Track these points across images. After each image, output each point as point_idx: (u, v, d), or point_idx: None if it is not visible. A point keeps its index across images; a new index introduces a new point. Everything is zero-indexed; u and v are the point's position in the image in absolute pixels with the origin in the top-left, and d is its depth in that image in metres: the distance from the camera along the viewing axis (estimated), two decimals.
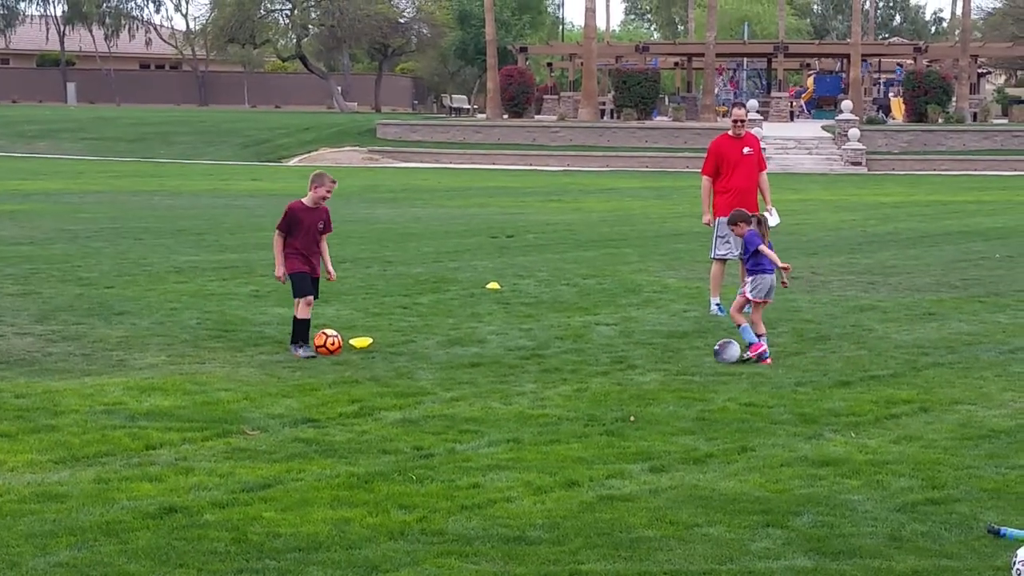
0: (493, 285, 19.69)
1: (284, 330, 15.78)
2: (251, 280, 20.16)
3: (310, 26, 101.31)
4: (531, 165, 59.55)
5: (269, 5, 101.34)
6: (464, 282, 20.34)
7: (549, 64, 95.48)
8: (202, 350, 14.55)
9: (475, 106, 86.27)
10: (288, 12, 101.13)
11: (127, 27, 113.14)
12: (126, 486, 9.25)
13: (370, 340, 14.87)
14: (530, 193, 41.82)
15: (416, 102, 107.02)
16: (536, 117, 73.56)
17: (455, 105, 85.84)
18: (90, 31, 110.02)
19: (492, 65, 71.94)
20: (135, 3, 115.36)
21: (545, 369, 13.75)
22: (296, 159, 63.01)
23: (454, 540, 8.20)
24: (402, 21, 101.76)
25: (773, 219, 16.72)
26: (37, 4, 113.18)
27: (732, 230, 14.97)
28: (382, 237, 26.85)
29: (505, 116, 70.61)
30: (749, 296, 14.47)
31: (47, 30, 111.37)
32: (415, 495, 9.13)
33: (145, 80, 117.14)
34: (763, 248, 14.37)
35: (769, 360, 14.10)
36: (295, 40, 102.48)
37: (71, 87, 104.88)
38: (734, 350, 14.19)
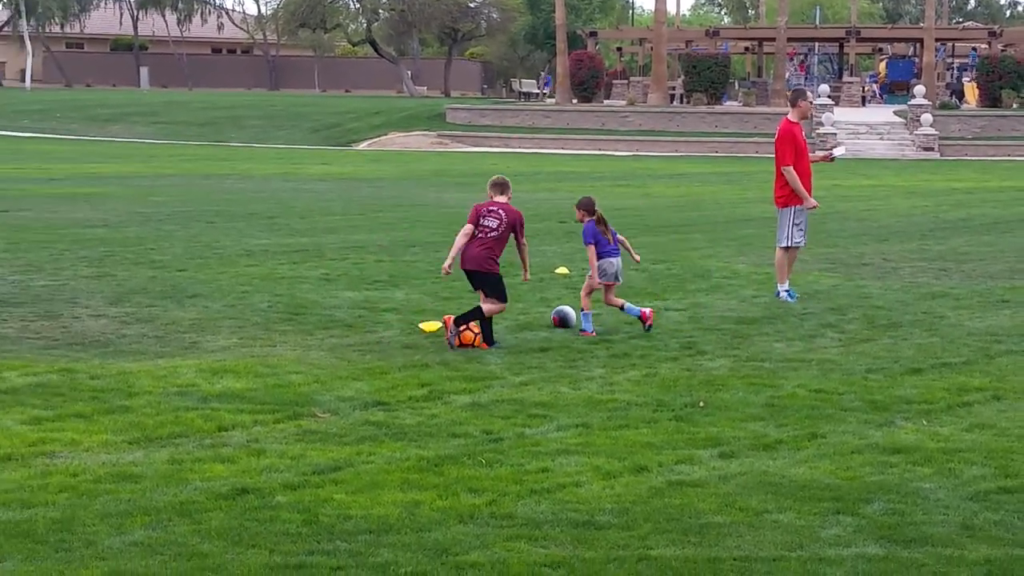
0: (562, 270, 19.69)
1: (354, 314, 15.89)
2: (321, 264, 20.28)
3: (380, 11, 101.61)
4: (600, 150, 59.44)
5: None
6: (532, 267, 20.29)
7: (619, 49, 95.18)
8: (273, 333, 14.65)
9: (545, 90, 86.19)
10: None
11: (199, 12, 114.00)
12: (199, 467, 9.35)
13: (439, 324, 14.92)
14: (599, 178, 41.76)
15: (485, 87, 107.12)
16: (605, 102, 73.38)
17: (524, 90, 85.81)
18: (163, 16, 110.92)
19: (562, 50, 71.79)
20: None
21: (614, 354, 13.74)
22: (365, 143, 63.24)
23: (523, 524, 8.23)
24: (472, 5, 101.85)
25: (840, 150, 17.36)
26: None
27: (576, 213, 15.32)
28: (452, 221, 26.83)
29: (574, 101, 70.48)
30: (597, 282, 15.04)
31: (121, 15, 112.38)
32: (484, 479, 9.17)
33: (216, 64, 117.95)
34: (589, 249, 15.02)
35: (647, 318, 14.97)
36: (365, 25, 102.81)
37: (144, 71, 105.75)
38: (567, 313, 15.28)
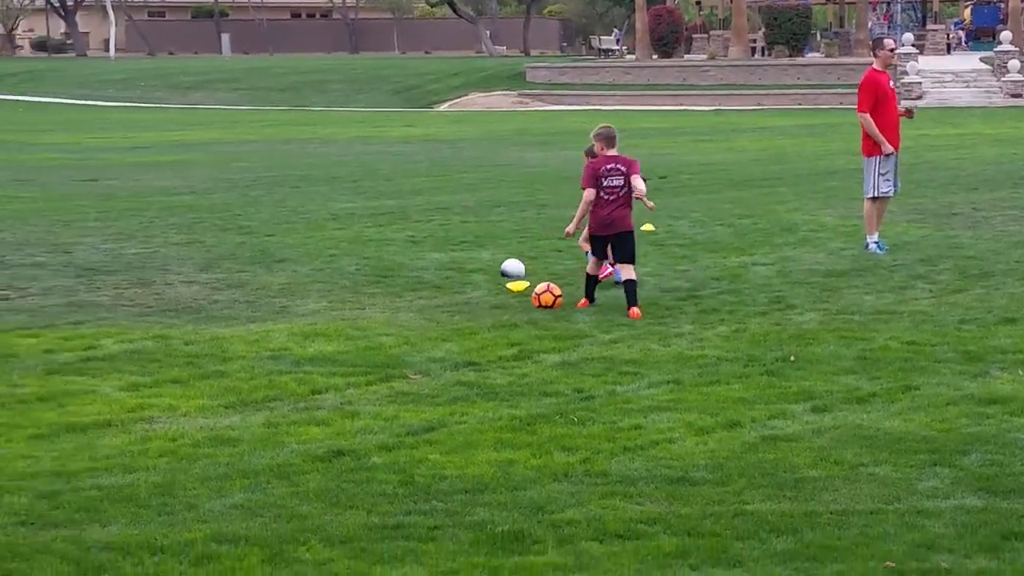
0: (647, 227, 19.63)
1: (441, 275, 15.95)
2: (407, 226, 20.36)
3: None
4: (681, 105, 59.08)
5: None
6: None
7: (698, 2, 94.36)
8: (362, 296, 14.75)
9: (624, 47, 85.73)
10: None
11: None
12: (295, 430, 9.45)
13: (526, 284, 14.94)
14: (681, 133, 41.55)
15: (564, 44, 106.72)
16: (686, 56, 72.84)
17: (604, 46, 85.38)
18: None
19: (640, 5, 71.28)
20: None
21: (703, 310, 13.71)
22: (446, 104, 63.30)
23: (618, 481, 8.25)
24: None
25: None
26: None
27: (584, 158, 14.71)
28: (535, 180, 26.88)
29: (654, 56, 70.06)
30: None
31: None
32: (577, 437, 9.20)
33: (296, 29, 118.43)
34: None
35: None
36: None
37: (225, 38, 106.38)
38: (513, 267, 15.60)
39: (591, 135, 14.07)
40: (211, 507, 7.86)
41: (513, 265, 15.87)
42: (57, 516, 7.70)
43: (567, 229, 14.02)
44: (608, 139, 13.94)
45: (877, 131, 17.09)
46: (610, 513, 7.70)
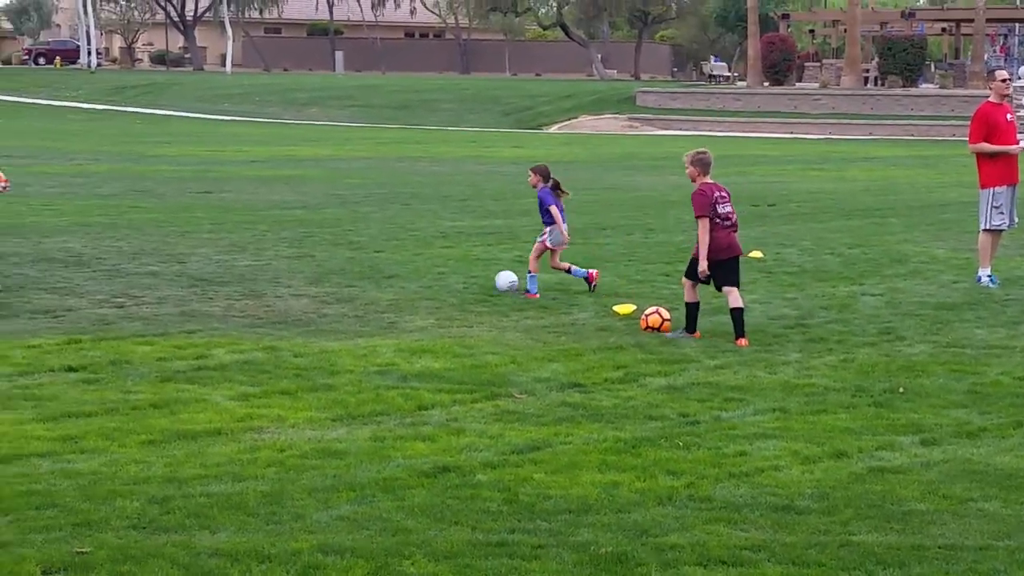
0: (756, 254, 19.56)
1: (548, 296, 15.99)
2: (515, 246, 20.43)
3: None
4: (792, 133, 58.75)
5: None
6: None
7: (811, 31, 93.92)
8: (469, 314, 14.83)
9: (735, 73, 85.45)
10: None
11: None
12: (401, 445, 9.52)
13: (634, 307, 14.95)
14: (791, 161, 41.31)
15: (675, 69, 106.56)
16: (797, 85, 72.48)
17: (715, 72, 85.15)
18: (358, 1, 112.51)
19: (753, 32, 71.10)
20: None
21: (810, 339, 13.63)
22: (556, 126, 63.46)
23: (722, 507, 8.23)
24: None
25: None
26: None
27: (531, 177, 16.19)
28: (643, 204, 26.88)
29: (766, 84, 69.76)
30: (548, 244, 16.00)
31: (317, 0, 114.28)
32: (682, 461, 9.19)
33: (409, 48, 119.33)
34: (553, 210, 15.83)
35: (536, 294, 15.75)
36: (556, 8, 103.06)
37: (339, 56, 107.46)
38: (502, 280, 16.22)
39: (687, 160, 13.95)
40: (318, 518, 7.94)
41: (503, 278, 16.35)
42: (168, 521, 7.83)
43: (701, 268, 13.72)
44: (707, 165, 13.77)
45: (993, 147, 16.81)
46: (714, 539, 7.68)
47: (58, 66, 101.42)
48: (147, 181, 30.70)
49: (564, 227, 15.93)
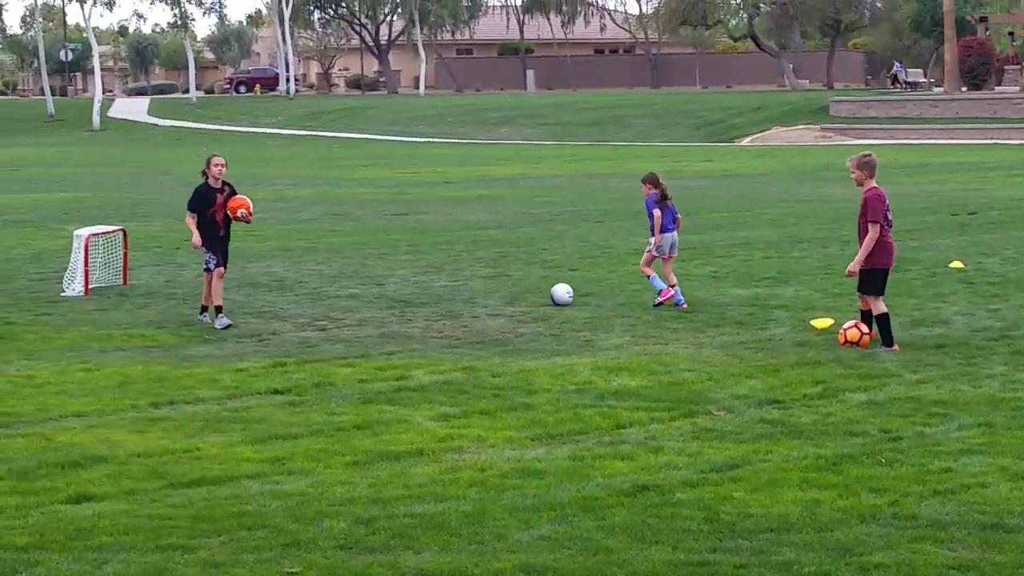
0: (956, 264, 19.18)
1: (744, 311, 15.90)
2: (710, 261, 20.35)
3: (762, 5, 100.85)
4: (992, 139, 57.34)
5: None
6: (925, 261, 19.89)
7: (1010, 33, 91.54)
8: (665, 331, 14.82)
9: (931, 79, 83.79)
10: None
11: (583, 13, 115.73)
12: (600, 463, 9.57)
13: (831, 321, 14.78)
14: (992, 168, 40.33)
15: (869, 77, 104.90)
16: (996, 89, 70.74)
17: (910, 79, 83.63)
18: (547, 19, 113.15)
19: (949, 37, 69.63)
20: None
21: (1016, 351, 13.32)
22: (748, 139, 62.96)
23: (928, 525, 8.10)
24: None
25: None
26: None
27: (642, 187, 16.50)
28: (838, 216, 26.51)
29: (963, 89, 68.25)
30: (654, 253, 16.23)
31: (508, 20, 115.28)
32: (885, 478, 9.06)
33: (599, 65, 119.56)
34: (656, 213, 16.12)
35: (684, 304, 15.97)
36: (747, 19, 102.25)
37: (530, 74, 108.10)
38: (559, 293, 16.54)
39: (853, 164, 13.86)
40: (519, 538, 8.03)
41: (560, 293, 16.63)
42: (373, 541, 7.99)
43: (851, 269, 13.74)
44: (873, 168, 13.76)
45: None
46: (920, 558, 7.56)
47: (258, 93, 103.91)
48: (345, 204, 31.30)
49: (669, 236, 16.26)
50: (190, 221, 15.34)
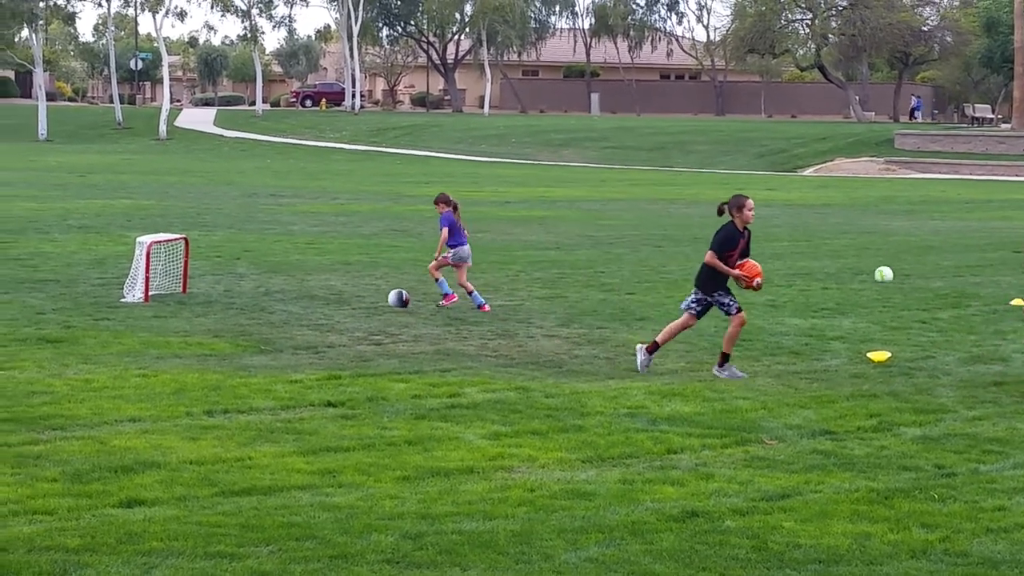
0: (1018, 301, 19.02)
1: (800, 341, 15.85)
2: (767, 290, 20.23)
3: (830, 35, 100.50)
4: None
5: (790, 15, 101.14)
6: (986, 298, 19.74)
7: None
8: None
9: (999, 116, 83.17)
10: (808, 22, 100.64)
11: (650, 39, 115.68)
12: (649, 488, 9.55)
13: (888, 354, 14.69)
14: None
15: (936, 111, 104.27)
16: None
17: (977, 115, 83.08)
18: (615, 43, 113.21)
19: (1020, 73, 69.16)
20: (659, 15, 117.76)
21: None
22: (811, 169, 62.74)
23: (979, 563, 8.03)
24: (925, 29, 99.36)
25: None
26: (567, 18, 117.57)
27: (437, 207, 18.27)
28: (899, 249, 26.39)
29: None
30: (450, 261, 17.89)
31: (575, 43, 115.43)
32: (937, 514, 8.99)
33: (664, 90, 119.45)
34: (444, 231, 17.84)
35: (486, 307, 17.66)
36: (814, 50, 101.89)
37: (595, 97, 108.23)
38: (392, 297, 17.96)
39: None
40: (566, 559, 8.02)
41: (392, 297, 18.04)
42: (421, 557, 8.00)
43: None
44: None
45: None
46: None
47: (323, 108, 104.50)
48: (405, 221, 31.41)
49: (467, 248, 18.07)
50: (717, 262, 14.04)
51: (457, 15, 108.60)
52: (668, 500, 9.25)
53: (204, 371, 13.31)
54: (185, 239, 19.30)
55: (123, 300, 17.72)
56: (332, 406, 11.94)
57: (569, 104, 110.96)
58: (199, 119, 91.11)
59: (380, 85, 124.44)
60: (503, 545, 8.23)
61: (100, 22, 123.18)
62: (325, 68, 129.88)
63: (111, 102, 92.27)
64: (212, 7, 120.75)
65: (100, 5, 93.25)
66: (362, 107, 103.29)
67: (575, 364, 14.33)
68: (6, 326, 15.59)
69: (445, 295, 18.05)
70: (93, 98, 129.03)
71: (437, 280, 18.14)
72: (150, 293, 17.79)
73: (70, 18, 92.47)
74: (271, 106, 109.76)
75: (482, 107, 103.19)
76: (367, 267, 22.23)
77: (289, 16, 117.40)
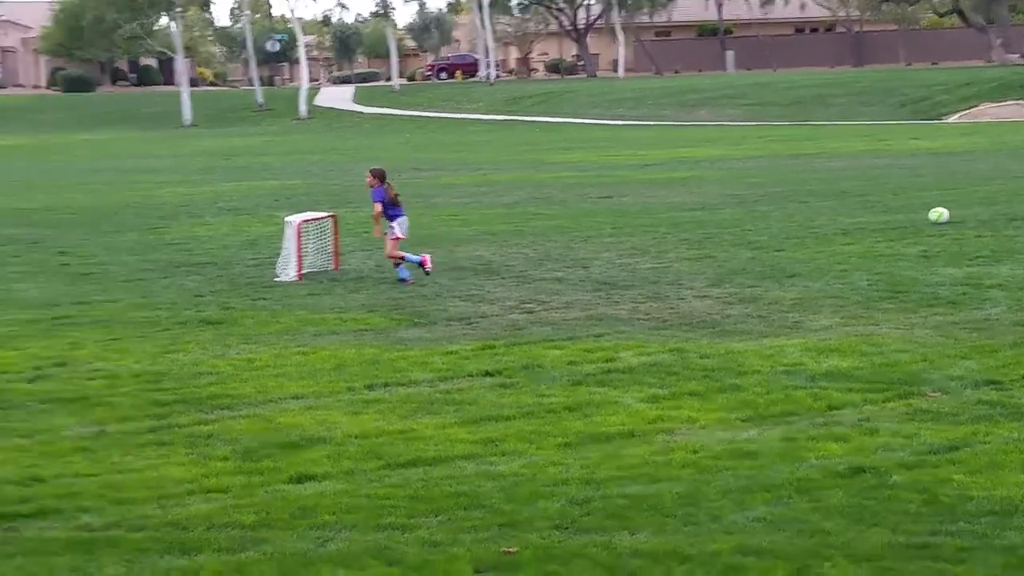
0: None
1: (957, 291, 15.60)
2: (919, 240, 19.98)
3: None
4: None
5: None
6: None
7: None
8: (874, 311, 14.60)
9: None
10: None
11: None
12: (813, 445, 9.49)
13: None
14: None
15: None
16: None
17: None
18: None
19: None
20: None
21: None
22: (955, 116, 61.52)
23: None
24: None
25: None
26: None
27: (368, 178, 18.02)
28: None
29: None
30: (400, 235, 17.73)
31: (706, 1, 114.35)
32: None
33: (799, 44, 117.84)
34: (376, 205, 17.81)
35: (410, 280, 17.46)
36: None
37: (729, 55, 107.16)
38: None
39: None
40: (734, 519, 8.01)
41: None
42: (588, 523, 8.05)
43: None
44: None
45: None
46: None
47: (459, 79, 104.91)
48: (548, 188, 31.43)
49: (406, 219, 17.92)
50: None
51: None
52: (833, 456, 9.19)
53: (361, 346, 13.49)
54: (334, 217, 19.54)
55: (277, 279, 18.00)
56: (489, 375, 12.04)
57: (703, 63, 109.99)
58: (338, 97, 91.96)
59: (513, 54, 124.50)
60: (670, 507, 8.24)
61: (236, 6, 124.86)
62: (458, 40, 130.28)
63: (251, 85, 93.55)
64: None
65: None
66: (497, 77, 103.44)
67: (728, 324, 14.26)
68: (168, 310, 15.94)
69: (420, 263, 17.81)
70: (234, 81, 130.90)
71: (403, 258, 17.81)
72: (303, 271, 18.06)
73: (206, 4, 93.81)
74: (407, 80, 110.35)
75: (616, 71, 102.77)
76: (513, 236, 22.31)
77: None
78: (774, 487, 8.57)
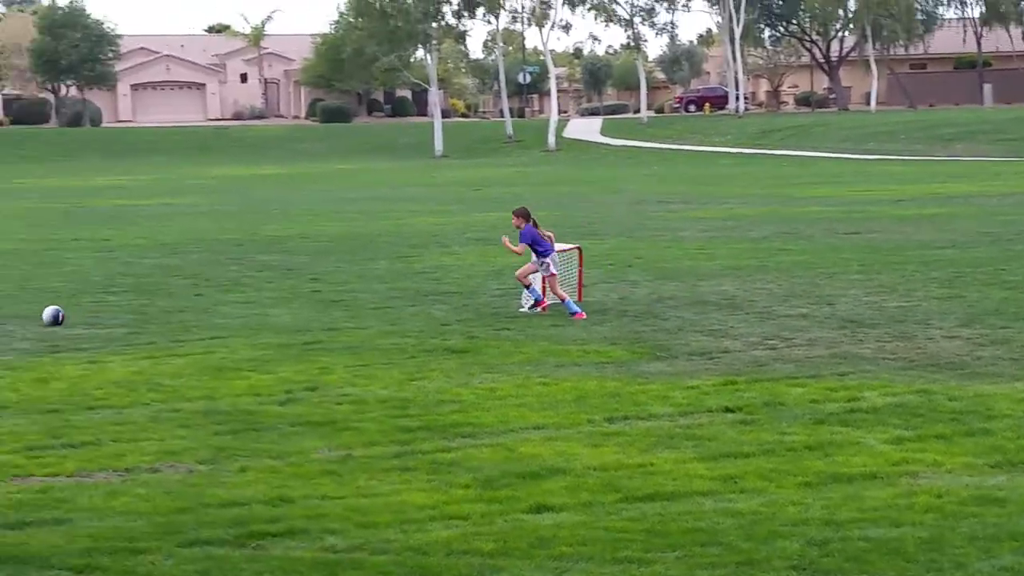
0: None
1: None
2: None
3: None
4: None
5: None
6: None
7: None
8: None
9: None
10: None
11: None
12: None
13: None
14: None
15: None
16: None
17: None
18: (1007, 31, 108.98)
19: None
20: None
21: None
22: None
23: None
24: None
25: None
26: (955, 8, 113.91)
27: (513, 219, 18.11)
28: None
29: None
30: (555, 272, 17.80)
31: (964, 33, 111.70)
32: None
33: None
34: (521, 246, 17.91)
35: (582, 314, 17.40)
36: None
37: (987, 88, 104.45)
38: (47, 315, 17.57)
39: None
40: (979, 567, 7.82)
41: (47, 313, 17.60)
42: (827, 564, 7.95)
43: None
44: None
45: None
46: None
47: (707, 112, 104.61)
48: (795, 223, 31.09)
49: (553, 257, 17.85)
50: None
51: (840, 12, 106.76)
52: None
53: (603, 378, 13.57)
54: (579, 248, 19.70)
55: (521, 310, 18.21)
56: (730, 411, 11.98)
57: (959, 96, 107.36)
58: (585, 129, 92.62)
59: (763, 86, 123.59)
60: (912, 553, 8.08)
61: (489, 39, 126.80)
62: (708, 72, 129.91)
63: (501, 116, 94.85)
64: (596, 18, 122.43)
65: (489, 22, 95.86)
66: (746, 109, 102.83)
67: (978, 365, 13.91)
68: (415, 337, 16.28)
69: (538, 301, 18.00)
70: (484, 113, 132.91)
71: (528, 287, 18.07)
72: (547, 302, 18.23)
73: (461, 36, 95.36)
74: (655, 112, 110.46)
75: (868, 104, 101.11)
76: (757, 271, 22.14)
77: (671, 22, 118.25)
78: (1022, 535, 8.33)
